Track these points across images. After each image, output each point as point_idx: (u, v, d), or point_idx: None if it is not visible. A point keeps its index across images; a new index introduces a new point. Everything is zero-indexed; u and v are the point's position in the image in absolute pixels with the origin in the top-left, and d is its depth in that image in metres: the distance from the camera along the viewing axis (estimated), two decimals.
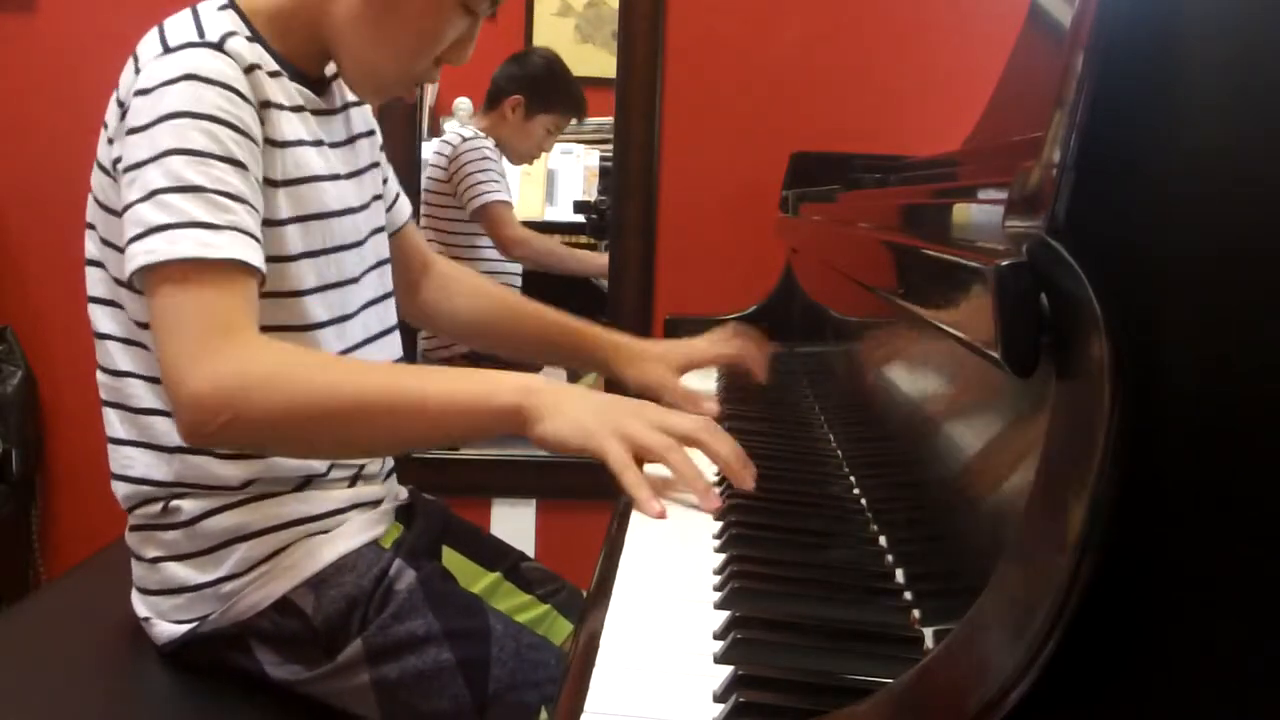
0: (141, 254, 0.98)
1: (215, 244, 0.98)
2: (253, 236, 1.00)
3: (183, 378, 0.96)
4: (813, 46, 2.21)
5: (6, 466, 2.17)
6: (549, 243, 2.86)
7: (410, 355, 2.23)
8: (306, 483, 1.13)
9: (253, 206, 1.02)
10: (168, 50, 1.03)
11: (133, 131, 1.01)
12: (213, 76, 1.02)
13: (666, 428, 0.99)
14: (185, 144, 0.99)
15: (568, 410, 1.00)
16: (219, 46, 1.03)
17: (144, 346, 1.08)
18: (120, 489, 1.13)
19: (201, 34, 1.04)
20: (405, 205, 1.40)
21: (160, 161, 0.99)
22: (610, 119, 2.32)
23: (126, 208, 1.00)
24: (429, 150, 2.78)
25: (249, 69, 1.04)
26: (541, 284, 2.82)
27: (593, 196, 3.02)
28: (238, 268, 0.99)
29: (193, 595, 1.10)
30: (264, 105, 1.06)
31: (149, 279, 0.99)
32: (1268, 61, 0.53)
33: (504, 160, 2.80)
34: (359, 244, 1.20)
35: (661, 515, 0.94)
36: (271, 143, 1.07)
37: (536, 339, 1.45)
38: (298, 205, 1.10)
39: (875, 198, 1.37)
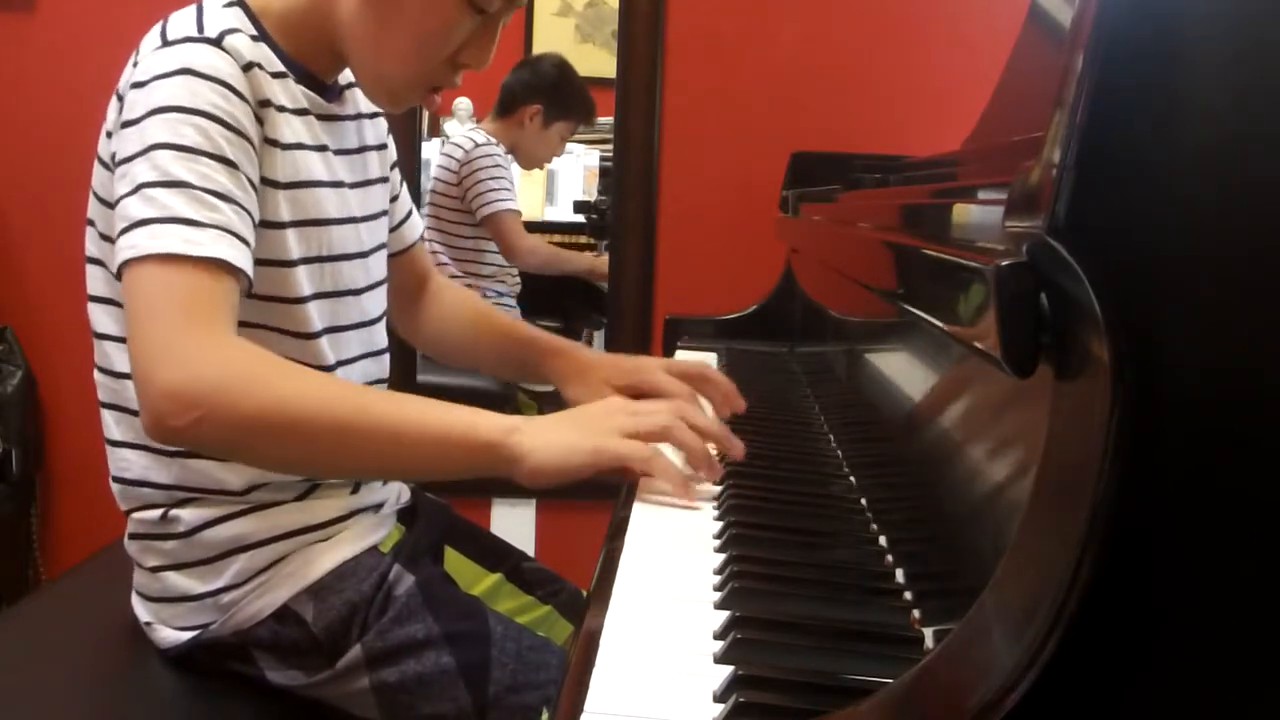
0: (125, 248, 0.96)
1: (198, 241, 0.95)
2: (239, 238, 0.98)
3: (156, 367, 0.92)
4: (813, 46, 2.21)
5: (6, 466, 2.17)
6: (552, 250, 2.89)
7: (410, 371, 2.21)
8: (310, 490, 1.12)
9: (242, 207, 0.99)
10: (166, 44, 1.02)
11: (126, 125, 1.00)
12: (208, 72, 1.00)
13: (649, 413, 1.00)
14: (174, 139, 0.98)
15: (551, 439, 0.97)
16: (217, 42, 1.02)
17: None
18: (119, 490, 1.12)
19: (201, 29, 1.03)
20: (417, 224, 1.37)
21: (148, 155, 0.97)
22: (610, 119, 2.33)
23: (117, 202, 0.99)
24: (434, 152, 2.80)
25: (247, 66, 1.03)
26: (541, 285, 2.83)
27: (593, 196, 3.02)
28: (220, 267, 0.96)
29: (193, 605, 1.10)
30: (262, 104, 1.05)
31: (129, 273, 0.96)
32: (1268, 61, 0.53)
33: (513, 165, 2.82)
34: (362, 255, 1.18)
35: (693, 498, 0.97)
36: (272, 143, 1.06)
37: (499, 354, 1.42)
38: (296, 209, 1.09)
39: (875, 198, 1.36)
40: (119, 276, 0.98)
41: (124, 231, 0.96)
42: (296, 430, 0.96)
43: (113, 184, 1.02)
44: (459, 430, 0.98)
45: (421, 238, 1.40)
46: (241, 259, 0.97)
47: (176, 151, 0.97)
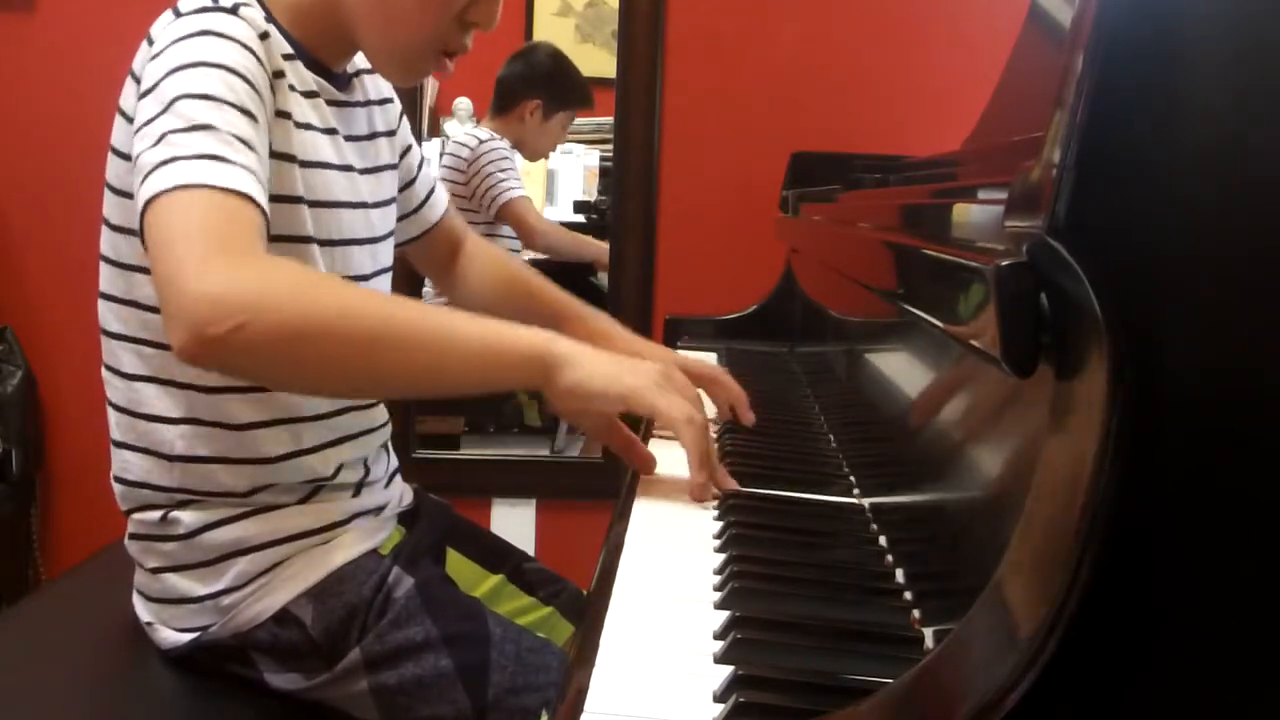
0: (148, 190, 0.91)
1: (227, 175, 0.91)
2: (261, 185, 0.95)
3: (190, 281, 0.86)
4: (813, 46, 2.21)
5: (6, 466, 2.17)
6: (568, 233, 2.90)
7: None
8: (312, 493, 1.11)
9: (262, 159, 0.97)
10: (180, 16, 1.02)
11: (145, 94, 0.98)
12: (229, 33, 0.99)
13: (683, 390, 1.02)
14: (196, 89, 0.95)
15: (594, 361, 0.97)
16: (233, 11, 1.02)
17: (154, 346, 1.07)
18: (119, 491, 1.12)
19: (215, 0, 1.03)
20: (441, 199, 1.39)
21: (170, 108, 0.95)
22: (610, 119, 2.33)
23: (137, 159, 0.95)
24: (434, 152, 2.81)
25: (263, 35, 1.03)
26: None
27: (593, 196, 3.02)
28: (249, 202, 0.91)
29: (194, 606, 1.09)
30: (277, 75, 1.04)
31: (153, 207, 0.90)
32: (1268, 61, 0.53)
33: (517, 157, 2.83)
34: (372, 240, 1.18)
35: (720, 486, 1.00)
36: (284, 116, 1.05)
37: (524, 316, 1.40)
38: (308, 190, 1.09)
39: (875, 198, 1.37)
40: (141, 221, 0.93)
41: (147, 177, 0.92)
42: (343, 339, 0.92)
43: (130, 172, 0.99)
44: (505, 339, 0.97)
45: (447, 211, 1.40)
46: (265, 203, 0.94)
47: (199, 100, 0.95)
